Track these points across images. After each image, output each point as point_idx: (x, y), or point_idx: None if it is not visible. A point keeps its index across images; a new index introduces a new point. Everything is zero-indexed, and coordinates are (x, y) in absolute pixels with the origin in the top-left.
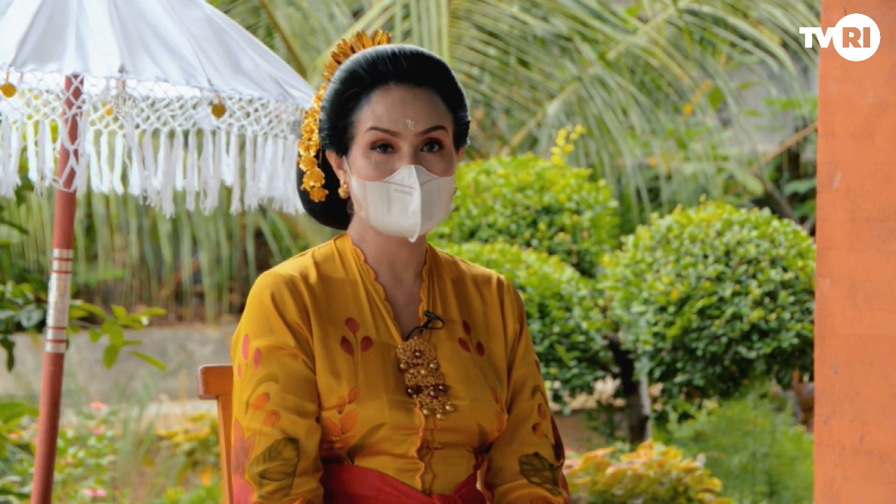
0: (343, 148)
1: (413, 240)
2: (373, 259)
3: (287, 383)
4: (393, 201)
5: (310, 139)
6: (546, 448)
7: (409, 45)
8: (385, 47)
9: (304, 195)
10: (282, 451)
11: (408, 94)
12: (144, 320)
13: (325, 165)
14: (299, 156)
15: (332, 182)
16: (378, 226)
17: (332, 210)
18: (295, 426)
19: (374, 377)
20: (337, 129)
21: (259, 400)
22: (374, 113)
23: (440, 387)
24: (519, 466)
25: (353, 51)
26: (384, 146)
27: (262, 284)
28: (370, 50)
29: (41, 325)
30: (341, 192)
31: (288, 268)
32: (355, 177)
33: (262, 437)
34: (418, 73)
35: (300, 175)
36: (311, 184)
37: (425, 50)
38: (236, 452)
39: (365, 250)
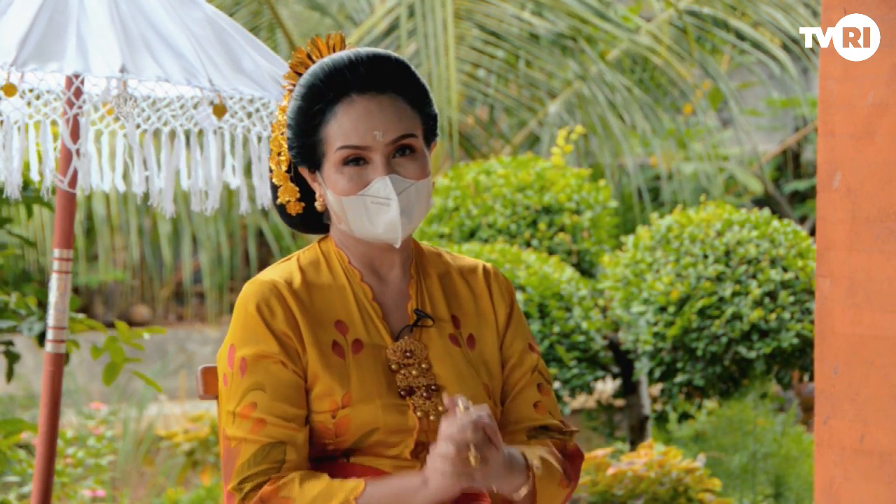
0: (315, 164)
1: (398, 246)
2: (357, 262)
3: (274, 391)
4: (372, 213)
5: (279, 154)
6: (553, 424)
7: (365, 49)
8: (341, 55)
9: (281, 209)
10: (269, 453)
11: (372, 104)
12: (146, 336)
13: (297, 177)
14: (270, 171)
15: (306, 193)
16: (361, 236)
17: (311, 219)
18: (282, 430)
19: (367, 381)
20: (306, 147)
21: (246, 409)
22: (341, 129)
23: (432, 387)
24: (527, 436)
25: (310, 59)
26: (356, 160)
27: (248, 293)
28: (326, 60)
29: (42, 337)
30: (318, 205)
31: (272, 274)
32: (331, 192)
33: (248, 444)
34: (379, 78)
35: (274, 190)
36: (287, 198)
37: (381, 51)
38: (224, 465)
39: (348, 254)
